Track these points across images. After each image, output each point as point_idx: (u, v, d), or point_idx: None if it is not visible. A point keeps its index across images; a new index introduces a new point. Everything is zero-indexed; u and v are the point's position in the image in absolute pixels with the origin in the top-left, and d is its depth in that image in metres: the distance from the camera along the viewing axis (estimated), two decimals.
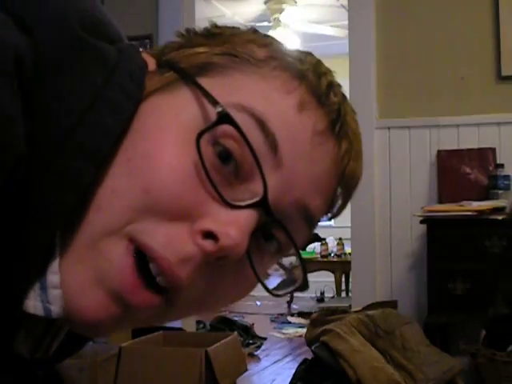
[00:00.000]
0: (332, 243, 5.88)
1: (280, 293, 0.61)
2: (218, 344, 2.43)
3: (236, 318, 3.94)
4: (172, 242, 0.53)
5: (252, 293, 0.63)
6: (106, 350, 2.84)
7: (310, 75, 0.60)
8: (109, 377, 2.65)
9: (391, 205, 3.31)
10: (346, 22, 3.48)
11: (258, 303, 6.03)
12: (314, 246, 6.01)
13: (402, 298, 3.21)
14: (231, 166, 0.55)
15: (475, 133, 3.18)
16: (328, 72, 0.64)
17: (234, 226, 0.53)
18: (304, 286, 0.60)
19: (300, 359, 2.66)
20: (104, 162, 0.53)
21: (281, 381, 2.95)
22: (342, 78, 0.66)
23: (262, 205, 0.55)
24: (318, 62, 0.64)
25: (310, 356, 2.59)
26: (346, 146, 0.61)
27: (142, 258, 0.53)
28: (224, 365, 2.39)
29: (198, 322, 3.86)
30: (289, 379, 2.59)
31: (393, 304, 3.02)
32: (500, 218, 2.78)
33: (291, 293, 0.66)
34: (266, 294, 0.62)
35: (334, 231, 6.25)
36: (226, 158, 0.55)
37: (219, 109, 0.54)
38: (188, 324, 3.30)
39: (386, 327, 2.46)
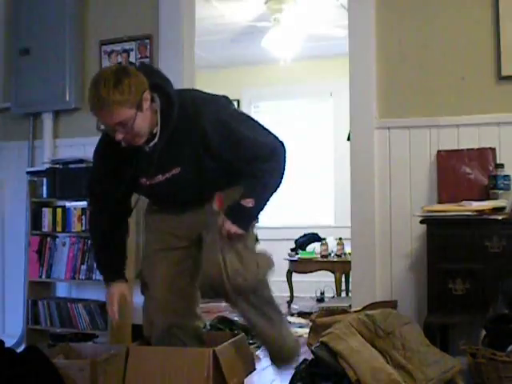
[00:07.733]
0: (332, 243, 5.86)
1: None
2: (226, 343, 2.41)
3: (236, 318, 3.93)
4: None
5: None
6: (106, 350, 2.84)
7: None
8: (109, 377, 2.65)
9: (391, 205, 3.31)
10: (346, 22, 3.48)
11: None
12: (314, 246, 5.99)
13: (402, 298, 3.21)
14: None
15: (475, 133, 3.18)
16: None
17: None
18: None
19: (300, 359, 2.65)
20: None
21: (281, 381, 2.95)
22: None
23: None
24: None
25: (309, 356, 2.59)
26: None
27: None
28: (232, 364, 2.36)
29: None
30: (289, 379, 2.59)
31: (393, 304, 3.02)
32: (500, 217, 2.78)
33: None
34: None
35: (333, 231, 6.24)
36: None
37: None
38: None
39: (385, 327, 2.46)
